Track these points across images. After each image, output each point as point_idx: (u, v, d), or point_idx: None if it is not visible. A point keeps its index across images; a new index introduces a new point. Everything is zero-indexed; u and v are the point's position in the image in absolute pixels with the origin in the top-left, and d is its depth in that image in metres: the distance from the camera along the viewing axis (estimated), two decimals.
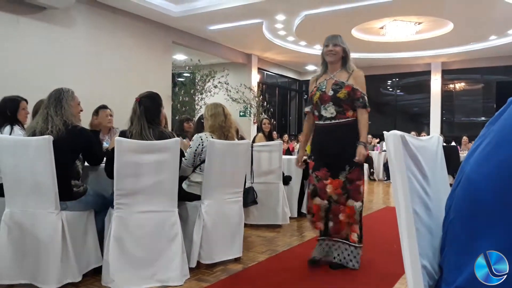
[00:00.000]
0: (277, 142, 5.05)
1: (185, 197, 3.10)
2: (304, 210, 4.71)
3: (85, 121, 3.32)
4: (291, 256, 3.49)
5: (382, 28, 8.99)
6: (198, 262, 3.02)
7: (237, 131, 3.54)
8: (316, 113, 3.08)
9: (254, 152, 4.56)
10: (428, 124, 12.38)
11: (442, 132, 11.78)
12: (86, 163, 2.97)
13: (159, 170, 2.68)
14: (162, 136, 2.79)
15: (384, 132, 1.07)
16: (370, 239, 4.09)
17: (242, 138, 4.16)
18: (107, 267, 2.56)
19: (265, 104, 11.29)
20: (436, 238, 1.05)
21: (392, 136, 1.03)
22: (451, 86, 12.62)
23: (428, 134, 10.80)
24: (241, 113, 11.05)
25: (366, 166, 10.38)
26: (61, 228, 2.55)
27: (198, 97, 9.68)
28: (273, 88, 13.58)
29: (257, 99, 11.23)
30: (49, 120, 2.68)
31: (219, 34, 9.23)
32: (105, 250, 2.63)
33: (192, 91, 9.66)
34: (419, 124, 12.95)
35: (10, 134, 3.33)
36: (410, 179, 1.02)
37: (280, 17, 8.08)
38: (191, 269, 2.89)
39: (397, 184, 1.01)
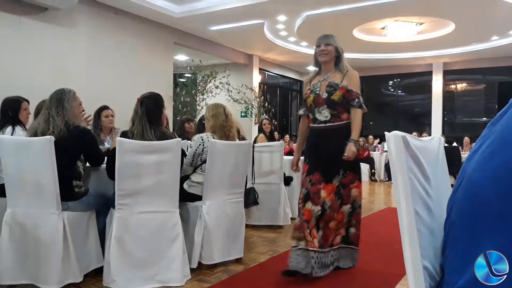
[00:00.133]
0: (278, 142, 5.05)
1: (186, 198, 3.10)
2: None
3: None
4: None
5: (383, 28, 8.98)
6: (199, 263, 3.02)
7: (238, 131, 3.54)
8: (311, 116, 3.01)
9: (255, 152, 4.55)
10: (429, 125, 12.37)
11: (443, 133, 11.76)
12: (87, 164, 2.97)
13: (160, 170, 2.68)
14: (163, 136, 2.79)
15: (386, 133, 1.07)
16: (371, 240, 4.09)
17: (243, 138, 4.16)
18: (108, 267, 2.57)
19: (266, 104, 11.29)
20: (437, 239, 1.04)
21: (393, 136, 1.02)
22: (453, 86, 12.61)
23: (430, 135, 10.79)
24: (243, 114, 11.05)
25: (367, 166, 10.38)
26: (62, 228, 2.56)
27: (200, 98, 9.69)
28: (274, 89, 13.58)
29: (258, 99, 11.23)
30: (50, 121, 2.68)
31: (221, 35, 9.23)
32: (106, 251, 2.64)
33: (193, 92, 9.66)
34: (420, 124, 12.93)
35: (12, 134, 3.34)
36: (411, 180, 1.02)
37: (282, 17, 8.08)
38: (192, 270, 2.89)
39: (399, 185, 1.01)
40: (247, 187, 3.81)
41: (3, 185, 2.73)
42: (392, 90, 13.88)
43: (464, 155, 8.47)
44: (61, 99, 2.75)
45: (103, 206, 2.88)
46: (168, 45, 8.63)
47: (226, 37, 9.43)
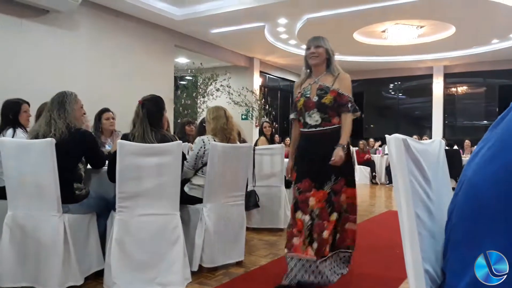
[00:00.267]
0: (279, 145, 5.05)
1: (187, 200, 3.10)
2: None
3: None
4: None
5: (384, 31, 8.99)
6: (200, 266, 3.02)
7: (239, 134, 3.55)
8: (301, 120, 2.90)
9: (256, 155, 4.55)
10: (430, 128, 12.37)
11: (444, 136, 11.75)
12: (88, 166, 2.97)
13: (161, 173, 2.68)
14: (164, 139, 2.79)
15: (386, 136, 1.07)
16: (372, 243, 4.09)
17: (244, 141, 4.16)
18: (109, 270, 2.56)
19: (267, 107, 11.30)
20: (438, 242, 1.04)
21: (394, 139, 1.03)
22: (453, 89, 12.61)
23: (430, 138, 10.78)
24: (243, 116, 11.05)
25: (368, 169, 10.38)
26: (63, 231, 2.56)
27: (200, 100, 9.70)
28: (275, 91, 13.59)
29: (259, 102, 11.24)
30: (52, 123, 2.69)
31: (221, 38, 9.24)
32: (107, 253, 2.63)
33: (194, 94, 9.67)
34: (421, 127, 12.93)
35: (13, 137, 3.34)
36: (412, 183, 1.02)
37: (282, 20, 8.10)
38: (193, 273, 2.88)
39: (399, 188, 1.01)
40: (247, 190, 3.81)
41: (4, 187, 2.73)
42: (392, 93, 13.89)
43: (465, 158, 8.46)
44: (62, 102, 2.76)
45: (104, 209, 2.88)
46: (169, 48, 8.65)
47: (227, 40, 9.45)
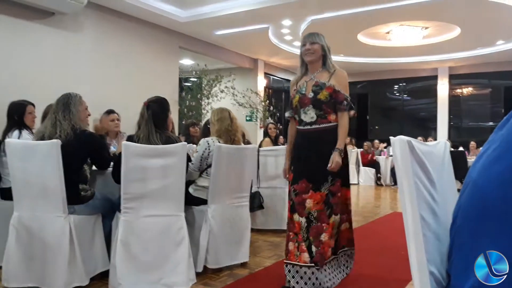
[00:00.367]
0: (283, 146, 5.05)
1: (192, 202, 3.11)
2: None
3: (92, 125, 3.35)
4: None
5: (388, 33, 8.97)
6: (205, 267, 3.02)
7: (243, 136, 3.55)
8: (297, 118, 2.83)
9: (261, 156, 4.56)
10: (435, 129, 12.32)
11: (449, 137, 11.70)
12: (93, 167, 2.99)
13: (166, 174, 2.69)
14: (169, 140, 2.80)
15: (391, 138, 1.07)
16: (377, 245, 4.08)
17: (248, 142, 4.17)
18: (114, 271, 2.57)
19: (271, 108, 11.30)
20: (443, 244, 1.04)
21: (398, 141, 1.03)
22: (459, 91, 12.56)
23: (435, 139, 10.74)
24: (248, 118, 11.05)
25: (373, 171, 10.35)
26: (68, 232, 2.57)
27: (205, 102, 9.71)
28: (279, 93, 13.58)
29: (263, 103, 11.24)
30: (57, 125, 2.71)
31: (226, 39, 9.26)
32: (112, 254, 2.64)
33: (198, 96, 9.69)
34: (426, 129, 12.87)
35: (19, 138, 3.36)
36: (417, 185, 1.02)
37: (286, 22, 8.10)
38: (197, 274, 2.89)
39: (404, 190, 1.01)
40: (252, 191, 3.82)
41: (10, 188, 2.75)
42: (397, 94, 13.85)
43: (471, 159, 8.42)
44: (67, 103, 2.78)
45: (109, 210, 2.89)
46: (174, 50, 8.67)
47: (231, 41, 9.47)
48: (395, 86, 13.64)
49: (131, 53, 7.61)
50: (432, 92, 12.49)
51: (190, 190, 3.19)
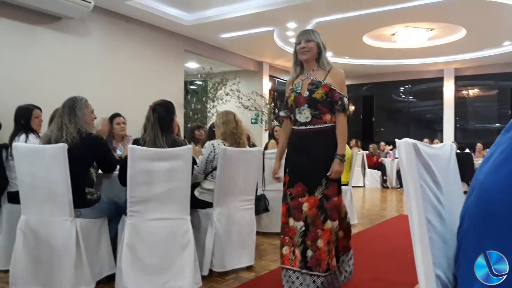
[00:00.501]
0: None
1: (197, 205, 3.11)
2: None
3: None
4: None
5: (393, 34, 8.95)
6: (210, 270, 3.02)
7: (248, 138, 3.55)
8: (292, 118, 2.73)
9: (266, 159, 4.55)
10: (441, 131, 12.25)
11: (456, 139, 11.64)
12: (99, 171, 3.00)
13: (172, 177, 2.70)
14: (175, 143, 2.81)
15: (396, 140, 1.07)
16: (383, 248, 4.06)
17: (253, 145, 4.17)
18: (120, 274, 2.58)
19: (276, 111, 11.30)
20: (450, 247, 1.04)
21: (404, 144, 1.02)
22: (465, 92, 12.49)
23: (442, 141, 10.68)
24: (253, 121, 11.06)
25: (379, 173, 10.31)
26: (75, 235, 2.59)
27: (210, 105, 9.74)
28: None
29: (268, 106, 11.25)
30: (63, 128, 2.72)
31: (231, 42, 9.28)
32: (118, 257, 2.65)
33: (204, 99, 9.73)
34: (432, 130, 12.81)
35: (26, 142, 3.39)
36: (422, 188, 1.01)
37: (291, 24, 8.10)
38: (203, 277, 2.89)
39: (410, 193, 1.01)
40: (257, 194, 3.81)
41: (17, 192, 2.77)
42: (403, 96, 13.80)
43: (477, 161, 8.36)
44: (73, 107, 2.79)
45: (115, 213, 2.90)
46: (179, 53, 8.71)
47: (236, 44, 9.49)
48: (401, 88, 13.60)
49: (137, 56, 7.65)
50: (438, 94, 12.43)
51: (196, 193, 3.19)
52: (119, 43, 7.32)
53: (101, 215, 2.81)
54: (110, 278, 2.78)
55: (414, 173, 1.00)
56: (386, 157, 10.71)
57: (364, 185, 10.37)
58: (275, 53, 10.35)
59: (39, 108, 3.71)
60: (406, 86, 13.41)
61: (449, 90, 12.14)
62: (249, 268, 3.26)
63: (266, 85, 11.60)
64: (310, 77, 2.67)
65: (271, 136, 6.12)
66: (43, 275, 2.60)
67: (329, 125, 2.59)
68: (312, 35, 2.68)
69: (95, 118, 3.06)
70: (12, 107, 3.68)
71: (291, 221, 2.60)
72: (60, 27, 6.37)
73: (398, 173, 9.97)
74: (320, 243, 2.48)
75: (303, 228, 2.53)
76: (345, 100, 2.59)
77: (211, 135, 3.93)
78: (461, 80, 12.19)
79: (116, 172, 2.94)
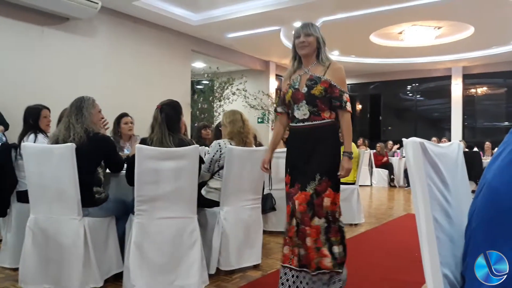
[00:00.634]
0: None
1: (204, 204, 3.12)
2: None
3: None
4: None
5: (401, 33, 8.91)
6: (217, 269, 3.03)
7: (255, 137, 3.55)
8: (290, 114, 2.64)
9: (273, 158, 4.54)
10: (449, 130, 12.17)
11: (464, 138, 11.56)
12: (107, 170, 3.02)
13: (179, 176, 2.71)
14: (182, 143, 2.82)
15: (403, 139, 1.06)
16: (391, 247, 4.04)
17: (260, 144, 4.17)
18: (128, 272, 2.59)
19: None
20: (458, 246, 1.03)
21: (411, 143, 1.02)
22: (473, 90, 12.39)
23: (450, 140, 10.62)
24: (259, 120, 11.07)
25: (386, 172, 10.27)
26: (83, 234, 2.61)
27: (217, 104, 9.76)
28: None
29: (275, 105, 11.25)
30: (71, 128, 2.75)
31: (237, 42, 9.29)
32: (125, 256, 2.67)
33: (210, 98, 9.75)
34: (440, 129, 12.73)
35: (34, 142, 3.42)
36: (430, 187, 1.01)
37: (298, 24, 8.06)
38: (210, 276, 2.90)
39: (417, 192, 1.00)
40: (264, 193, 3.82)
41: (26, 191, 2.80)
42: (410, 94, 13.72)
43: (486, 160, 8.30)
44: (80, 107, 2.81)
45: (123, 212, 2.92)
46: (186, 53, 8.74)
47: (243, 44, 9.50)
48: (408, 87, 13.53)
49: (144, 56, 7.69)
50: (445, 92, 12.35)
51: (203, 192, 3.20)
52: (126, 44, 7.36)
53: (109, 214, 2.83)
54: (118, 277, 2.80)
55: (421, 172, 1.00)
56: (393, 156, 10.66)
57: (371, 184, 10.33)
58: (281, 52, 10.34)
59: (48, 108, 3.74)
60: (414, 84, 13.34)
61: (457, 88, 12.05)
62: (256, 267, 3.27)
63: (273, 84, 11.60)
64: (308, 73, 2.58)
65: None
66: (51, 273, 2.63)
67: (327, 121, 2.51)
68: (311, 29, 2.60)
69: (102, 118, 3.08)
70: (20, 107, 3.72)
71: (293, 221, 2.52)
72: (68, 28, 6.42)
73: (406, 172, 9.92)
74: (309, 241, 2.41)
75: (296, 228, 2.47)
76: (346, 96, 2.51)
77: (218, 135, 3.94)
78: (469, 79, 12.10)
79: (124, 172, 2.96)
